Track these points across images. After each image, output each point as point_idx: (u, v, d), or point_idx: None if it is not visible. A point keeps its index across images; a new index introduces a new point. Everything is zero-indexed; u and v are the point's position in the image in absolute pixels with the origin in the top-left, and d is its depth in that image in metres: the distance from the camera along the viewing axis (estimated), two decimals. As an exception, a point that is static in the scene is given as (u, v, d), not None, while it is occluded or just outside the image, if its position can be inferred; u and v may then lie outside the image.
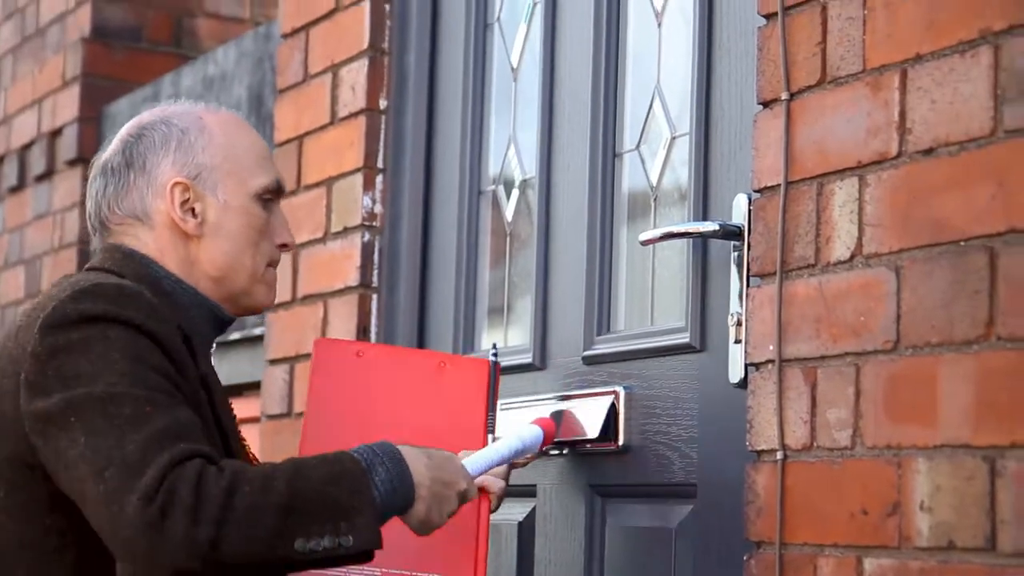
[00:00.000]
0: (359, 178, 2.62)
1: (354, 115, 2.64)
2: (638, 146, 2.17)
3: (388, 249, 2.60)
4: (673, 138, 2.11)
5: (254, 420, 2.82)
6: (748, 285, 1.84)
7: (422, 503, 1.61)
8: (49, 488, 1.58)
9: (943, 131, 1.57)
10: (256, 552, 1.49)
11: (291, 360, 2.71)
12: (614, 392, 2.07)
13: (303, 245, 2.73)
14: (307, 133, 2.77)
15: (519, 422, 1.93)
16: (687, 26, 2.08)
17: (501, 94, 2.50)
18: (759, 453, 1.76)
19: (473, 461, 1.77)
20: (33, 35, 4.49)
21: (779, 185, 1.75)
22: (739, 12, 1.98)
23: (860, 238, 1.65)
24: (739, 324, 1.86)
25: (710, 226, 1.91)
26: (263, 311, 1.83)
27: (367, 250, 2.60)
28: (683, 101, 2.09)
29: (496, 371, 1.89)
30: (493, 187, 2.48)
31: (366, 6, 2.64)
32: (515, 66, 2.46)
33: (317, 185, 2.73)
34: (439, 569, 1.82)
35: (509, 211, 2.44)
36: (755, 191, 1.81)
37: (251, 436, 2.01)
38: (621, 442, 2.06)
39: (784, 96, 1.76)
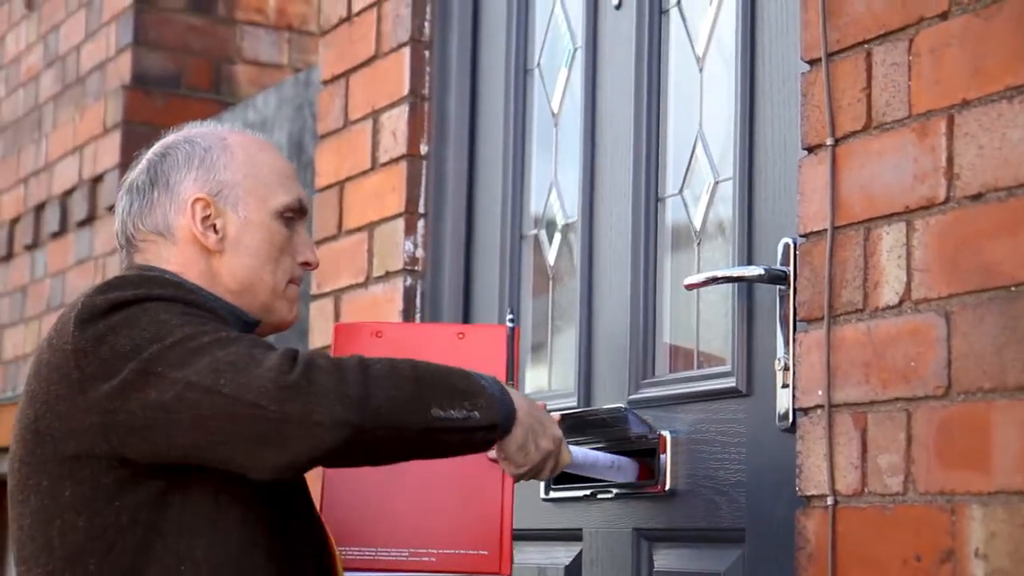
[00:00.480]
0: (400, 223, 2.64)
1: (395, 160, 2.67)
2: (681, 190, 2.18)
3: (430, 293, 2.61)
4: (716, 182, 2.12)
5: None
6: (795, 330, 1.84)
7: (520, 428, 1.67)
8: (117, 474, 1.60)
9: (991, 176, 1.57)
10: (399, 413, 1.56)
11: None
12: (660, 436, 2.07)
13: (344, 290, 2.75)
14: (348, 178, 2.79)
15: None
16: (728, 71, 2.09)
17: (542, 139, 2.51)
18: (809, 498, 1.75)
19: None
20: (74, 83, 4.55)
21: (826, 230, 1.76)
22: (781, 57, 1.99)
23: (909, 283, 1.65)
24: (786, 368, 1.86)
25: (755, 271, 1.91)
26: (286, 328, 1.85)
27: (409, 294, 2.61)
28: (725, 146, 2.10)
29: (515, 337, 1.88)
30: (535, 231, 2.49)
31: (406, 52, 2.66)
32: (555, 111, 2.48)
33: (358, 230, 2.75)
34: (466, 547, 1.83)
35: (551, 255, 2.45)
36: (801, 236, 1.81)
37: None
38: (668, 486, 2.06)
39: (829, 141, 1.76)
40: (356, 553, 1.79)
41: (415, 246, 2.63)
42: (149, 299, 1.63)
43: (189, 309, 1.64)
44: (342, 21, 2.85)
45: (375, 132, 2.72)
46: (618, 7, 2.31)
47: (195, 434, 1.57)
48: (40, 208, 4.67)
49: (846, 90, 1.75)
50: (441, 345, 1.89)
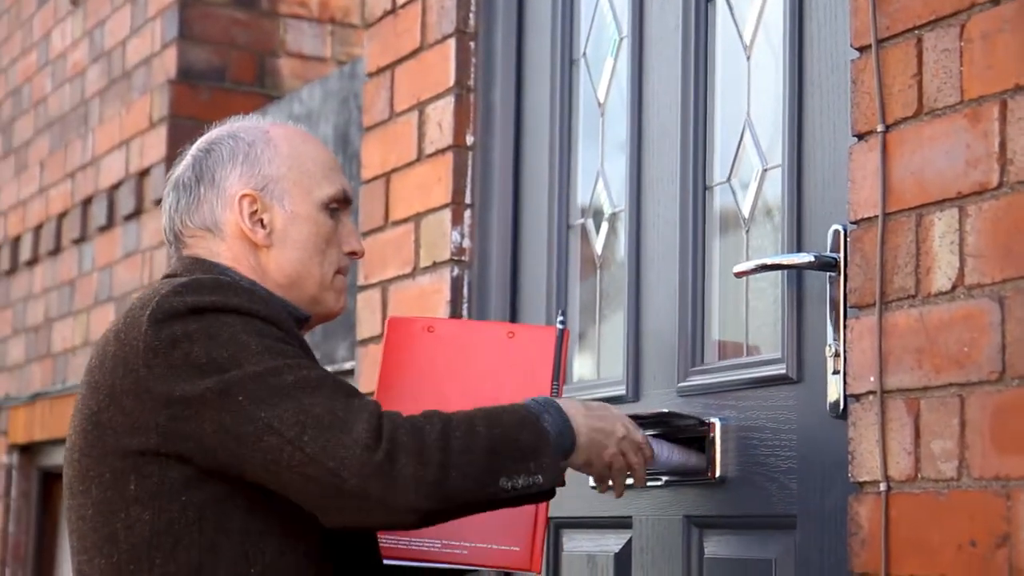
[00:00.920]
0: (447, 213, 2.65)
1: (441, 151, 2.68)
2: (729, 178, 2.19)
3: (477, 283, 2.62)
4: (764, 170, 2.12)
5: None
6: (846, 316, 1.84)
7: (582, 450, 1.72)
8: (182, 471, 1.62)
9: (1045, 161, 1.56)
10: (471, 490, 1.60)
11: (383, 394, 2.75)
12: (710, 424, 2.08)
13: (391, 280, 2.77)
14: (394, 170, 2.81)
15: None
16: (776, 58, 2.09)
17: (588, 128, 2.52)
18: (862, 484, 1.76)
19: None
20: (120, 77, 4.59)
21: (877, 216, 1.76)
22: (829, 44, 1.99)
23: (961, 269, 1.65)
24: (836, 355, 1.86)
25: (805, 258, 1.91)
26: (334, 318, 1.87)
27: (456, 284, 2.63)
28: (774, 133, 2.10)
29: (564, 338, 1.89)
30: (582, 220, 2.50)
31: (451, 44, 2.67)
32: (602, 100, 2.48)
33: (405, 221, 2.76)
34: (499, 542, 1.85)
35: (599, 244, 2.46)
36: (851, 222, 1.82)
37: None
38: (718, 474, 2.07)
39: (880, 128, 1.76)
40: (389, 541, 1.81)
41: (462, 236, 2.64)
42: (226, 309, 1.63)
43: (266, 328, 1.64)
44: (387, 14, 2.86)
45: (421, 123, 2.74)
46: (664, -4, 2.31)
47: (266, 475, 1.60)
48: (87, 202, 4.71)
49: (896, 76, 1.75)
50: (491, 345, 1.90)
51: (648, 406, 2.23)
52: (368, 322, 2.83)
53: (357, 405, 1.60)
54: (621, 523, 2.24)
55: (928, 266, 1.70)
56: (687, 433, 2.09)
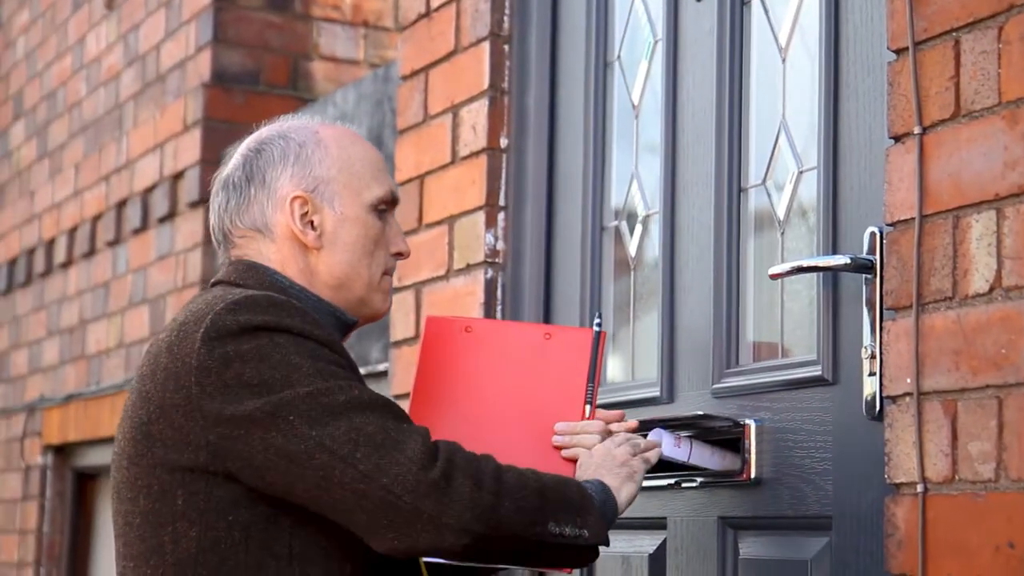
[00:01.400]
0: (481, 216, 2.66)
1: (475, 154, 2.69)
2: (764, 181, 2.19)
3: (511, 285, 2.64)
4: (800, 172, 2.12)
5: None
6: (882, 318, 1.84)
7: (623, 504, 1.75)
8: (230, 489, 1.62)
9: (1083, 163, 1.56)
10: (522, 523, 1.60)
11: (417, 395, 2.76)
12: (745, 425, 2.09)
13: (425, 282, 2.79)
14: (428, 172, 2.82)
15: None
16: (811, 60, 2.10)
17: (622, 131, 2.53)
18: (898, 486, 1.76)
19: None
20: (154, 81, 4.63)
21: (913, 219, 1.76)
22: (865, 46, 1.99)
23: (999, 271, 1.65)
24: (873, 357, 1.86)
25: (841, 260, 1.92)
26: (379, 319, 1.88)
27: (490, 287, 2.64)
28: (809, 135, 2.10)
29: (600, 340, 1.89)
30: (616, 222, 2.51)
31: (485, 47, 2.69)
32: (636, 103, 2.49)
33: (439, 223, 2.78)
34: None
35: (632, 246, 2.47)
36: (888, 224, 1.82)
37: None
38: (753, 475, 2.07)
39: (916, 130, 1.76)
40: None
41: (496, 239, 2.65)
42: (279, 328, 1.63)
43: (318, 349, 1.64)
44: (421, 17, 2.88)
45: (455, 126, 2.75)
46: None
47: (317, 493, 1.59)
48: (122, 205, 4.75)
49: (934, 79, 1.75)
50: (527, 347, 1.91)
51: (682, 408, 2.24)
52: (402, 324, 2.85)
53: (408, 427, 1.61)
54: (656, 524, 2.24)
55: (965, 268, 1.70)
56: (722, 435, 2.10)
